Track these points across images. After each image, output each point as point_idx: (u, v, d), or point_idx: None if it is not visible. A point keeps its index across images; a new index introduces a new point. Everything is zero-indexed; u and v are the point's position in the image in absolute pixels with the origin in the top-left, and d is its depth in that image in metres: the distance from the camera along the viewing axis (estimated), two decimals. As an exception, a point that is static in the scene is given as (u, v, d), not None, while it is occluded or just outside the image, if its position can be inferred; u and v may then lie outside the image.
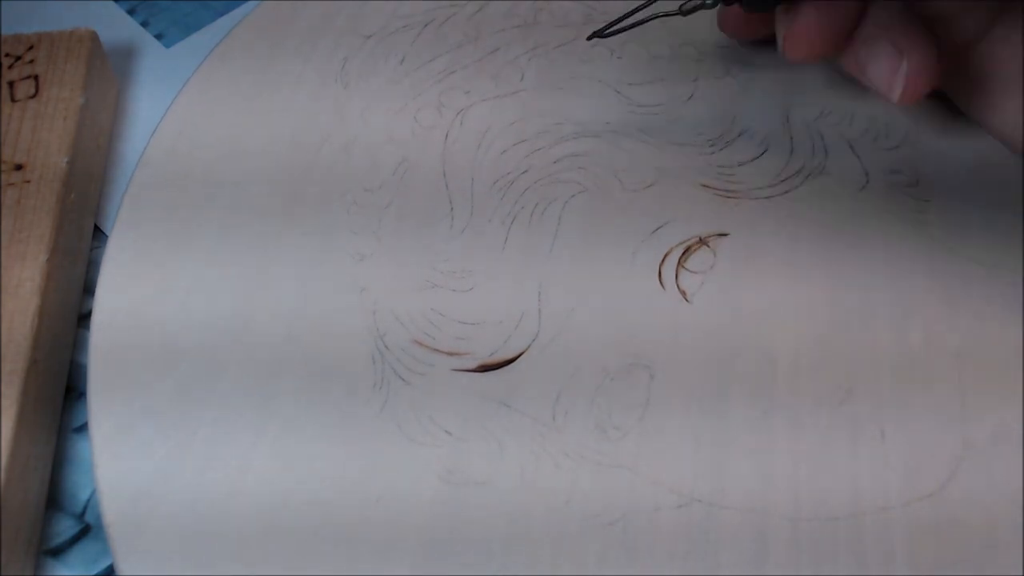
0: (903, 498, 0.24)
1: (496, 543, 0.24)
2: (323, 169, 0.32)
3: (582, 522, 0.25)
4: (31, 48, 0.34)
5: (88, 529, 0.28)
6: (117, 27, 0.39)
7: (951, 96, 0.30)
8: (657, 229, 0.30)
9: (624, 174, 0.31)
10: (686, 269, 0.29)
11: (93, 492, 0.28)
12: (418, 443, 0.26)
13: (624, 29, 0.28)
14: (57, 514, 0.28)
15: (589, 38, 0.29)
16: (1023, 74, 0.27)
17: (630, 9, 0.28)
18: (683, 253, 0.29)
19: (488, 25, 0.35)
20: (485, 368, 0.27)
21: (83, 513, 0.28)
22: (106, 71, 0.36)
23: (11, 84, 0.33)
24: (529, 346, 0.28)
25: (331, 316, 0.28)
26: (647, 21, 0.28)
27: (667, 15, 0.28)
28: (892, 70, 0.27)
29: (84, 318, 0.31)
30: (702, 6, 0.28)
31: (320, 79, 0.34)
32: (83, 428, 0.29)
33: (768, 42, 0.32)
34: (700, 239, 0.29)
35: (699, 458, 0.25)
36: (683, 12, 0.28)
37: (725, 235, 0.29)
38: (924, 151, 0.31)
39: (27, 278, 0.29)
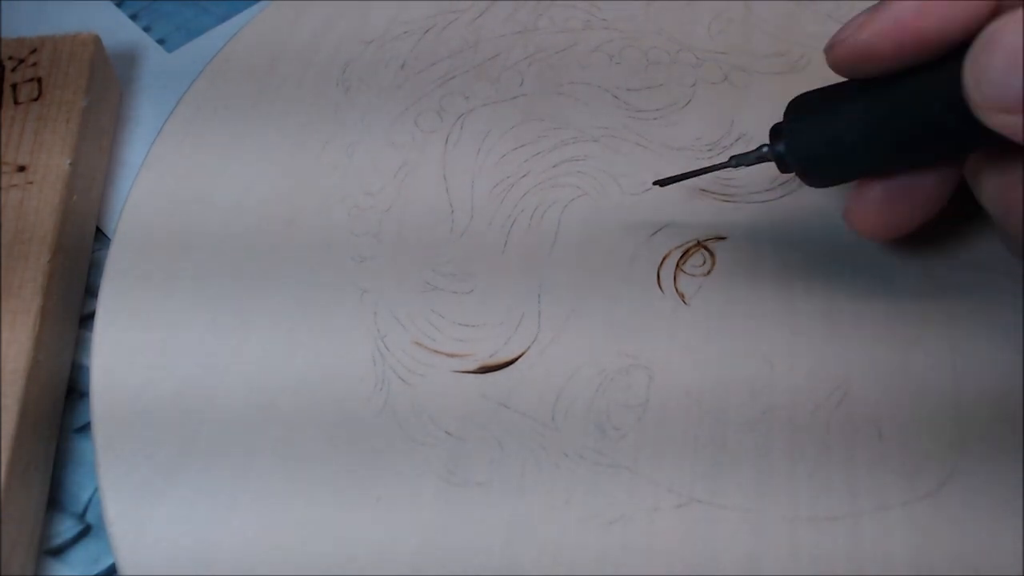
0: (902, 498, 0.25)
1: (496, 543, 0.24)
2: (324, 172, 0.32)
3: (582, 522, 0.25)
4: (34, 51, 0.34)
5: (89, 529, 0.28)
6: (120, 31, 0.39)
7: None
8: (655, 233, 0.30)
9: (623, 178, 0.31)
10: (684, 272, 0.29)
11: (94, 492, 0.28)
12: (418, 443, 0.26)
13: (685, 178, 0.29)
14: (58, 514, 0.28)
15: (656, 183, 0.30)
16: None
17: (697, 168, 0.29)
18: (681, 256, 0.29)
19: (488, 30, 0.35)
20: (485, 369, 0.27)
21: (84, 513, 0.28)
22: (109, 74, 0.36)
23: (14, 87, 0.33)
24: (529, 348, 0.28)
25: (332, 317, 0.28)
26: (705, 172, 0.29)
27: (722, 167, 0.28)
28: None
29: (86, 319, 0.31)
30: (745, 160, 0.28)
31: (321, 84, 0.34)
32: (85, 428, 0.29)
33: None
34: (698, 243, 0.30)
35: (698, 458, 0.26)
36: (734, 165, 0.28)
37: (723, 239, 0.29)
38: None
39: (29, 279, 0.29)
